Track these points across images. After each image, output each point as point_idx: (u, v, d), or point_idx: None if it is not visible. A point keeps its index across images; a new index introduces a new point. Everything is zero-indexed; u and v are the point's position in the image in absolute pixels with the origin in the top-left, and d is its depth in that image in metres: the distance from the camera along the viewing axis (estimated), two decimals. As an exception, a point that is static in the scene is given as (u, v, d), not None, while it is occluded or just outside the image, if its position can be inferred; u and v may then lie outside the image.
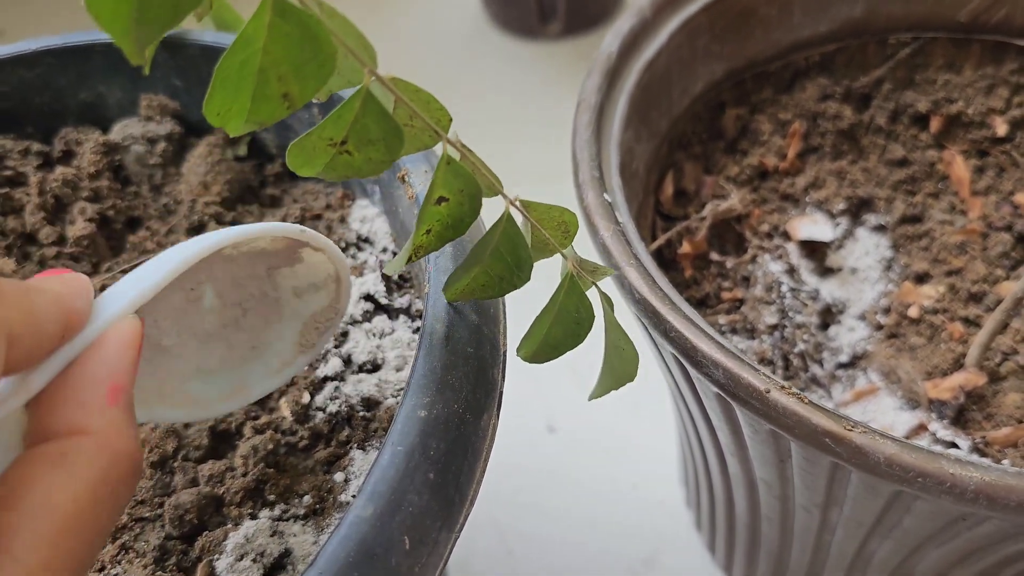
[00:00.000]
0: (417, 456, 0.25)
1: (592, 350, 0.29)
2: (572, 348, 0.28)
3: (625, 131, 0.38)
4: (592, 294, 0.27)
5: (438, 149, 0.25)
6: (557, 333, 0.28)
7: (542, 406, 0.60)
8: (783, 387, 0.28)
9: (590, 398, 0.31)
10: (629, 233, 0.34)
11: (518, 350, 0.29)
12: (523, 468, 0.57)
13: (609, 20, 0.87)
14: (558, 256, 0.27)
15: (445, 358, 0.27)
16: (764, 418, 0.29)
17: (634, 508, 0.55)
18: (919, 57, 0.49)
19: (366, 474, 0.25)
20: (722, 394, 0.30)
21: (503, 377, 0.29)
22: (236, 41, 0.20)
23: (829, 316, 0.43)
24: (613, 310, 0.28)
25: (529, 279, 0.27)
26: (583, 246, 0.29)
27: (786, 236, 0.44)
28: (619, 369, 0.29)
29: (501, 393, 0.29)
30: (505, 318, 0.31)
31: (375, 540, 0.24)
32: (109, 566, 0.30)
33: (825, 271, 0.44)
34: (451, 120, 0.24)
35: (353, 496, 0.30)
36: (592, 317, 0.27)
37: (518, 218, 0.26)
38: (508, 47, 0.87)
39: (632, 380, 0.29)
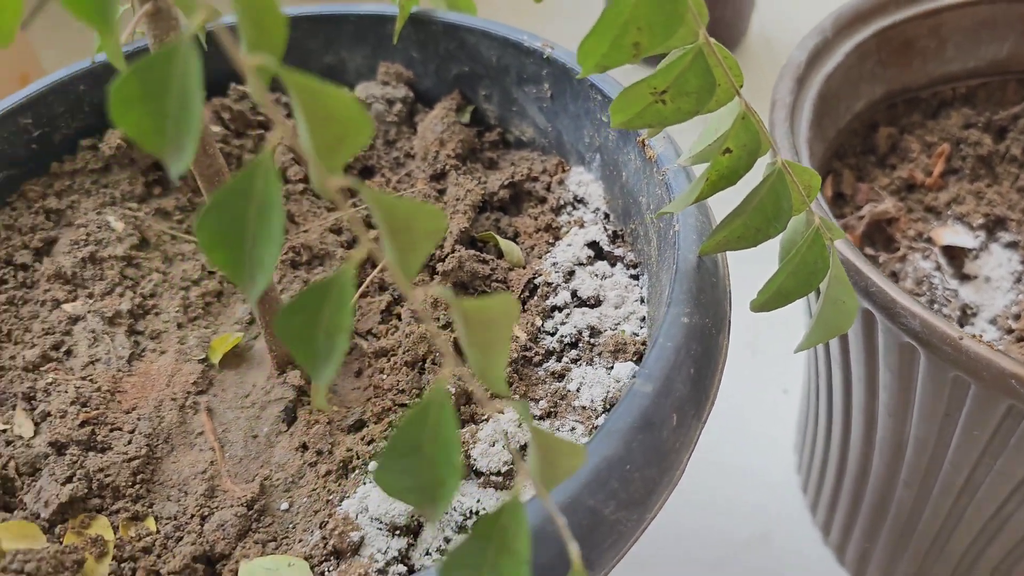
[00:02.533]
0: (682, 353, 0.30)
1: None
2: (802, 296, 0.33)
3: (810, 130, 0.44)
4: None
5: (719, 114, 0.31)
6: (791, 283, 0.33)
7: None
8: (974, 336, 0.33)
9: (796, 350, 0.36)
10: (826, 211, 0.39)
11: (752, 303, 0.34)
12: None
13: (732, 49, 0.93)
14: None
15: (699, 281, 0.32)
16: (952, 364, 0.34)
17: (747, 489, 0.60)
18: (1053, 98, 0.54)
19: (646, 360, 0.30)
20: (913, 343, 0.35)
21: (731, 311, 0.34)
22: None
23: (964, 318, 0.48)
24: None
25: (783, 230, 0.32)
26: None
27: (930, 241, 0.49)
28: (834, 321, 0.34)
29: (730, 323, 0.34)
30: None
31: (652, 412, 0.29)
32: (377, 440, 0.35)
33: (963, 277, 0.49)
34: (743, 84, 0.30)
35: (587, 403, 0.35)
36: (827, 268, 0.32)
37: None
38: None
39: (844, 332, 0.34)
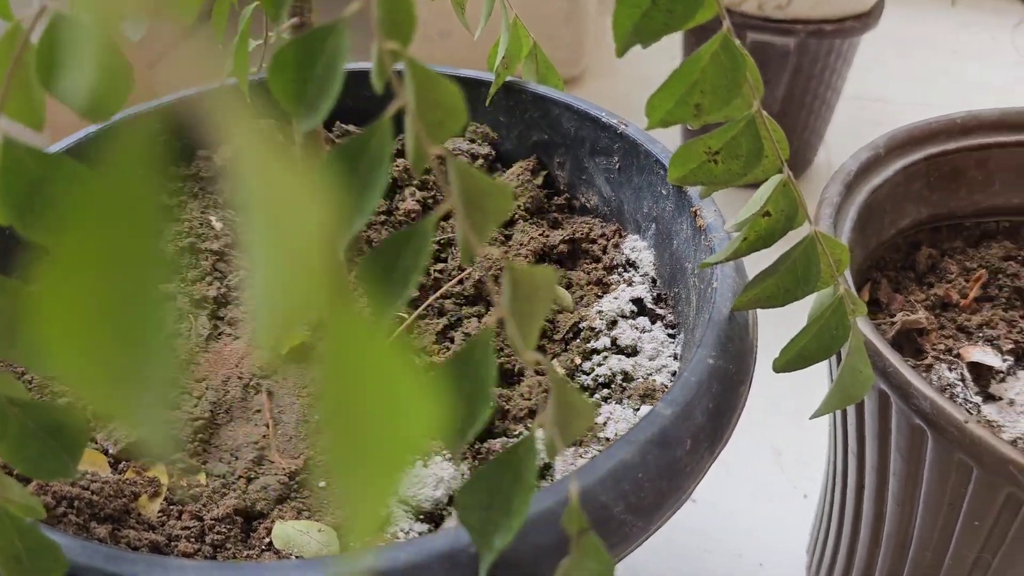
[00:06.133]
0: (703, 389, 0.33)
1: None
2: (822, 360, 0.36)
3: (851, 234, 0.47)
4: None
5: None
6: (813, 346, 0.36)
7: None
8: (979, 421, 0.35)
9: (812, 416, 0.38)
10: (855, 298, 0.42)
11: (775, 362, 0.37)
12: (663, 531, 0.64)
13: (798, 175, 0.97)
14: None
15: (728, 331, 0.36)
16: (957, 446, 0.36)
17: (757, 584, 0.61)
18: (1094, 246, 0.57)
19: (671, 389, 0.33)
20: (923, 424, 0.37)
21: (754, 367, 0.37)
22: (689, 59, 0.30)
23: (983, 435, 0.50)
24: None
25: (811, 293, 0.35)
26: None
27: (958, 357, 0.52)
28: (851, 388, 0.36)
29: (752, 376, 0.37)
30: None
31: (670, 432, 0.32)
32: (417, 437, 0.38)
33: (987, 396, 0.51)
34: (788, 157, 0.34)
35: (611, 435, 0.38)
36: (847, 336, 0.35)
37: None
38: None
39: (858, 400, 0.37)
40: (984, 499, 0.37)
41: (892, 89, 1.11)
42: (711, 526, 0.64)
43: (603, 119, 0.48)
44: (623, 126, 0.48)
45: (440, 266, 0.47)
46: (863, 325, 0.40)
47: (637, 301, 0.44)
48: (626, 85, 1.10)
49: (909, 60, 1.18)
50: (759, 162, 0.32)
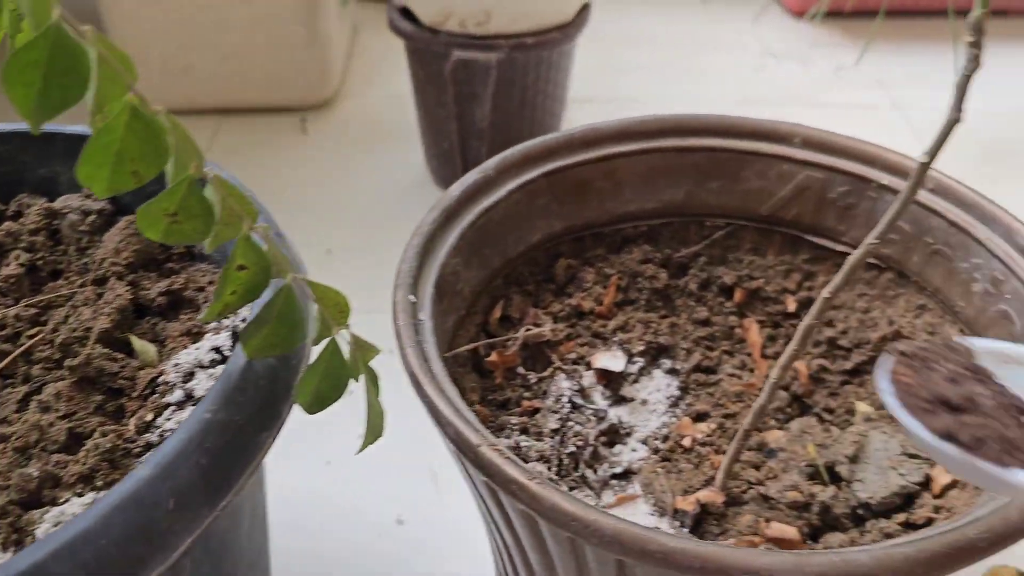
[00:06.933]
0: (194, 445, 0.34)
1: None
2: (336, 400, 0.37)
3: (451, 257, 0.49)
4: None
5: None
6: (325, 388, 0.37)
7: (393, 498, 0.68)
8: (492, 445, 0.37)
9: (357, 452, 0.39)
10: (424, 326, 0.43)
11: (299, 401, 0.37)
12: (369, 554, 0.65)
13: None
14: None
15: (239, 382, 0.36)
16: (480, 469, 0.37)
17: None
18: (731, 239, 0.60)
19: (157, 448, 0.33)
20: (456, 450, 0.38)
21: (288, 413, 0.38)
22: (101, 130, 0.31)
23: (617, 436, 0.52)
24: (376, 383, 0.38)
25: (304, 342, 0.36)
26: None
27: (588, 365, 0.54)
28: (374, 424, 0.38)
29: (283, 423, 0.38)
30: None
31: (144, 494, 0.32)
32: (-41, 519, 0.38)
33: (619, 399, 0.54)
34: (258, 214, 0.34)
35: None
36: (348, 377, 0.36)
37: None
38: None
39: (381, 435, 0.38)
40: (520, 520, 0.39)
41: (640, 89, 1.14)
42: (416, 549, 0.65)
43: (197, 167, 0.48)
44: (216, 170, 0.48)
45: (35, 330, 0.46)
46: (410, 353, 0.41)
47: (217, 350, 0.44)
48: (380, 104, 1.11)
49: (659, 59, 1.23)
50: (214, 219, 0.33)
